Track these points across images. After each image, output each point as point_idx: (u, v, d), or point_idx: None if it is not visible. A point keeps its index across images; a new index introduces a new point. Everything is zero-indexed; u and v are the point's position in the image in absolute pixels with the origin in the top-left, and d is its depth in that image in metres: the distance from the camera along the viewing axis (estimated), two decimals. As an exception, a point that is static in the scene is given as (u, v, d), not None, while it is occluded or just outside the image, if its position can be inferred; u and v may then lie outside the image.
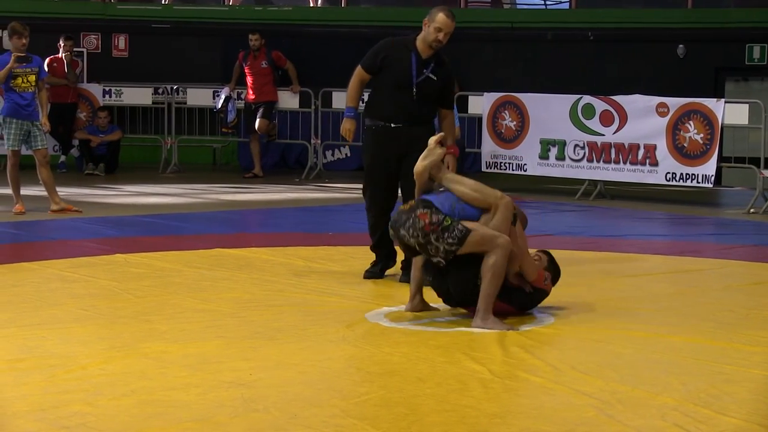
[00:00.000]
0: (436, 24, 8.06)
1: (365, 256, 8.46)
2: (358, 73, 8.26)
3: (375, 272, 8.29)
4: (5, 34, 18.39)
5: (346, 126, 8.21)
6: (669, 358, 6.07)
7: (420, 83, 8.08)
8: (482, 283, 6.67)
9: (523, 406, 5.13)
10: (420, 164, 6.90)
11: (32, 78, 11.80)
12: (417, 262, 7.02)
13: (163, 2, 19.48)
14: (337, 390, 5.42)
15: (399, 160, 8.11)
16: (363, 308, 7.20)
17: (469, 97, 16.19)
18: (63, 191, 12.37)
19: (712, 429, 4.81)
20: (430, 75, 8.13)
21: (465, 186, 6.82)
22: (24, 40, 11.73)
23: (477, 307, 6.69)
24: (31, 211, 11.96)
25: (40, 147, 11.87)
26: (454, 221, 6.63)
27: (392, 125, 8.11)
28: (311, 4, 19.40)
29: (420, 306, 7.08)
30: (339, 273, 8.47)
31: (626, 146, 14.11)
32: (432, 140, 6.95)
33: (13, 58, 11.66)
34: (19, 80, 11.74)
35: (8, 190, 12.15)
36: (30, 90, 11.79)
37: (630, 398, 5.24)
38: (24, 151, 12.03)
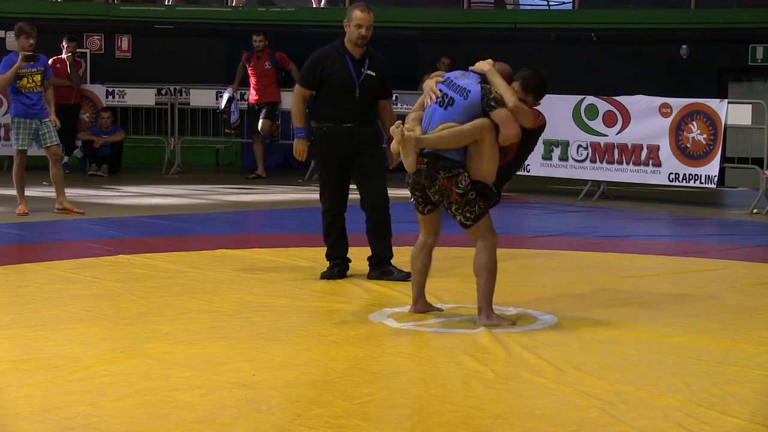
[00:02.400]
0: (354, 21, 8.29)
1: (367, 258, 8.45)
2: (299, 92, 8.40)
3: (334, 274, 8.32)
4: (8, 34, 18.45)
5: (299, 147, 8.37)
6: (672, 359, 6.07)
7: (362, 83, 8.26)
8: (479, 282, 6.76)
9: (527, 407, 5.13)
10: (394, 145, 6.85)
11: (38, 78, 11.83)
12: (416, 264, 7.04)
13: (166, 3, 19.49)
14: (340, 391, 5.42)
15: (351, 160, 8.27)
16: (366, 309, 7.21)
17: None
18: (66, 192, 12.36)
19: (716, 429, 4.81)
20: (369, 72, 8.29)
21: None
22: (31, 40, 11.77)
23: (478, 305, 6.76)
24: (35, 212, 11.95)
25: (50, 144, 11.90)
26: (477, 196, 6.72)
27: (343, 125, 8.24)
28: (314, 5, 19.40)
29: (424, 307, 7.09)
30: (341, 274, 8.45)
31: (629, 147, 14.10)
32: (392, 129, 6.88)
33: (20, 57, 11.69)
34: (25, 80, 11.76)
35: (11, 191, 12.15)
36: (36, 90, 11.82)
37: (633, 399, 5.24)
38: (34, 151, 12.06)
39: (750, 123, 13.85)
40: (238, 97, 17.06)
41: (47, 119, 11.85)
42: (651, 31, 17.91)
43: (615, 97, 14.36)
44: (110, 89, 17.41)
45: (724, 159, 14.08)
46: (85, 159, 17.01)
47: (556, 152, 14.62)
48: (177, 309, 7.21)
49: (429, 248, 7.12)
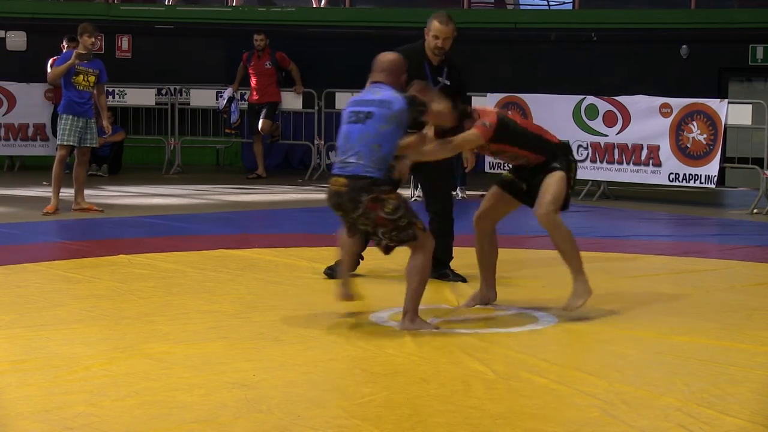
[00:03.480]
0: (432, 32, 8.24)
1: (369, 258, 8.45)
2: None
3: (336, 272, 8.22)
4: (8, 34, 18.48)
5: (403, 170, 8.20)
6: (673, 359, 6.07)
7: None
8: (410, 286, 6.56)
9: (527, 407, 5.13)
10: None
11: (92, 79, 11.99)
12: (344, 246, 6.93)
13: (166, 3, 19.49)
14: (340, 391, 5.42)
15: (416, 167, 8.15)
16: (367, 309, 7.20)
17: (473, 97, 16.16)
18: (67, 192, 12.38)
19: (716, 429, 4.81)
20: (445, 81, 8.24)
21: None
22: (93, 39, 11.94)
23: (404, 308, 6.61)
24: (37, 211, 11.97)
25: (87, 145, 12.15)
26: (409, 219, 6.44)
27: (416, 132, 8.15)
28: (314, 5, 19.40)
29: (352, 294, 6.94)
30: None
31: (629, 147, 14.11)
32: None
33: (75, 53, 11.83)
34: (81, 77, 11.92)
35: (14, 191, 12.17)
36: (89, 90, 12.03)
37: (634, 399, 5.24)
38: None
39: (750, 123, 13.86)
40: (239, 97, 17.06)
41: (93, 120, 12.04)
42: (651, 31, 17.91)
43: (615, 97, 14.36)
44: (110, 89, 17.42)
45: (725, 159, 14.09)
46: (85, 159, 17.00)
47: (557, 152, 14.62)
48: (177, 309, 7.21)
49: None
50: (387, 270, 8.65)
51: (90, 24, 12.23)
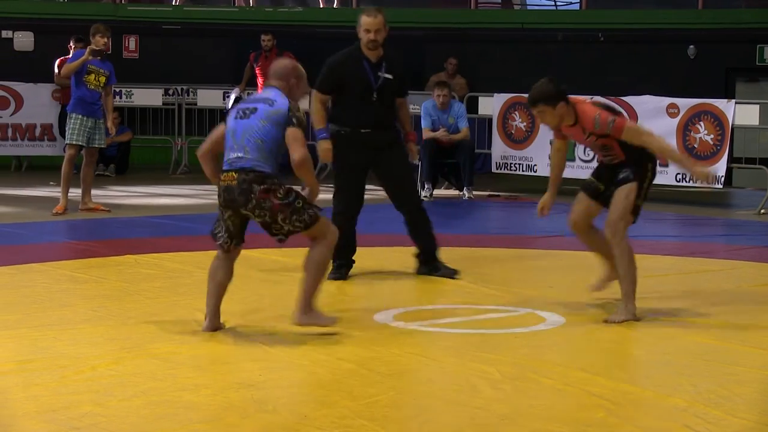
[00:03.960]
0: (363, 27, 8.32)
1: (373, 257, 8.47)
2: (317, 97, 8.34)
3: (342, 275, 8.34)
4: (16, 34, 18.50)
5: (325, 146, 8.27)
6: (679, 360, 6.06)
7: (380, 87, 8.25)
8: (307, 278, 6.43)
9: (533, 407, 5.13)
10: None
11: (102, 79, 12.04)
12: (214, 277, 6.68)
13: (173, 3, 19.50)
14: (347, 391, 5.42)
15: (368, 165, 8.32)
16: (372, 309, 7.20)
17: (479, 98, 16.19)
18: (74, 192, 12.40)
19: (723, 430, 4.80)
20: (386, 75, 8.29)
21: None
22: (105, 39, 11.98)
23: (299, 302, 6.44)
24: (44, 211, 11.99)
25: (96, 146, 12.18)
26: (304, 204, 6.38)
27: (361, 130, 8.22)
28: (321, 5, 19.41)
29: (217, 325, 6.60)
30: (347, 274, 8.45)
31: (636, 147, 14.08)
32: None
33: (89, 49, 11.89)
34: (92, 77, 11.97)
35: (19, 191, 12.18)
36: (98, 90, 12.04)
37: (640, 399, 5.24)
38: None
39: (757, 123, 13.86)
40: (246, 98, 17.06)
41: (102, 120, 12.12)
42: (658, 32, 17.90)
43: (622, 97, 14.35)
44: (117, 89, 17.43)
45: (732, 159, 14.07)
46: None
47: (563, 152, 14.61)
48: (184, 309, 7.21)
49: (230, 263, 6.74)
50: (389, 271, 8.66)
51: (102, 24, 12.27)
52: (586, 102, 7.17)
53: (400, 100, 8.47)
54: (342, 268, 8.35)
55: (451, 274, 8.31)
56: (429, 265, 8.42)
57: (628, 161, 7.09)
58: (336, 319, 6.55)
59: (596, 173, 7.38)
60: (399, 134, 8.55)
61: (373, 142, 8.23)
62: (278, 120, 6.40)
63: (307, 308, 6.45)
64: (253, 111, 6.47)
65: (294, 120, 6.40)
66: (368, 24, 8.31)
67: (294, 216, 6.33)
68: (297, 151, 6.37)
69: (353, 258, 8.44)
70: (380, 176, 8.42)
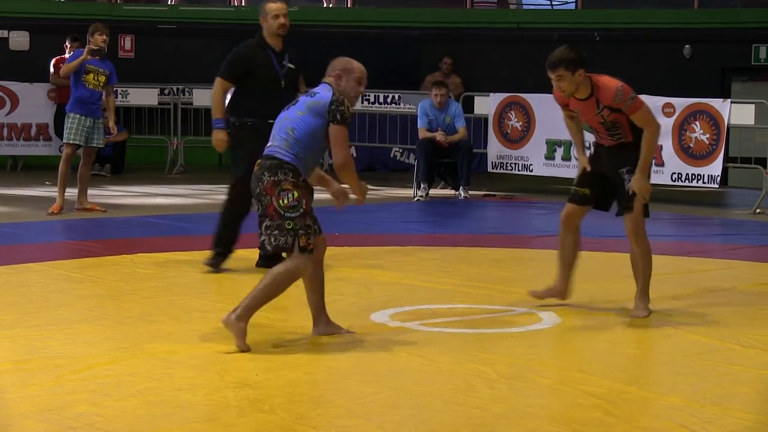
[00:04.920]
0: (272, 13, 8.43)
1: (371, 256, 8.47)
2: (221, 84, 8.46)
3: (219, 262, 8.52)
4: (11, 34, 18.48)
5: (220, 136, 8.40)
6: (676, 359, 6.07)
7: (285, 75, 8.43)
8: (259, 285, 6.12)
9: (530, 407, 5.13)
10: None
11: (102, 79, 12.02)
12: (309, 284, 6.40)
13: (169, 3, 19.49)
14: (343, 390, 5.42)
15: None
16: (368, 308, 7.20)
17: (475, 97, 16.19)
18: (70, 192, 12.40)
19: (719, 429, 4.81)
20: (290, 65, 8.47)
21: None
22: (104, 37, 11.96)
23: (241, 306, 6.10)
24: (40, 211, 11.98)
25: (94, 145, 12.19)
26: (295, 227, 6.03)
27: (267, 120, 8.13)
28: (324, 5, 19.42)
29: (327, 330, 6.44)
30: (344, 273, 8.46)
31: (632, 146, 14.09)
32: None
33: (87, 48, 11.87)
34: (91, 76, 11.95)
35: (15, 191, 12.17)
36: (98, 89, 12.03)
37: (636, 398, 5.24)
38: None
39: (753, 123, 13.86)
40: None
41: (101, 120, 12.09)
42: (654, 31, 17.91)
43: (618, 97, 14.33)
44: (113, 89, 17.40)
45: (727, 159, 14.07)
46: (88, 159, 17.02)
47: (559, 152, 14.63)
48: (180, 309, 7.22)
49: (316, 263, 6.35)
50: (386, 270, 8.67)
51: (101, 23, 12.24)
52: (604, 75, 7.11)
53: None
54: (220, 256, 8.50)
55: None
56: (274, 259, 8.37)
57: (634, 144, 7.03)
58: (248, 348, 6.01)
59: (580, 181, 7.29)
60: None
61: None
62: (318, 110, 6.12)
63: (243, 316, 6.06)
64: (294, 103, 6.30)
65: (337, 115, 6.09)
66: (278, 9, 8.43)
67: (276, 231, 6.04)
68: (338, 154, 6.11)
69: (232, 248, 8.60)
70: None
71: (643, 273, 7.16)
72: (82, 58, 11.85)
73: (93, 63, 11.91)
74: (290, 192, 6.06)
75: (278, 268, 6.13)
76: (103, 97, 12.15)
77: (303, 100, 6.27)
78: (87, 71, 11.90)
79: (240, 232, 8.58)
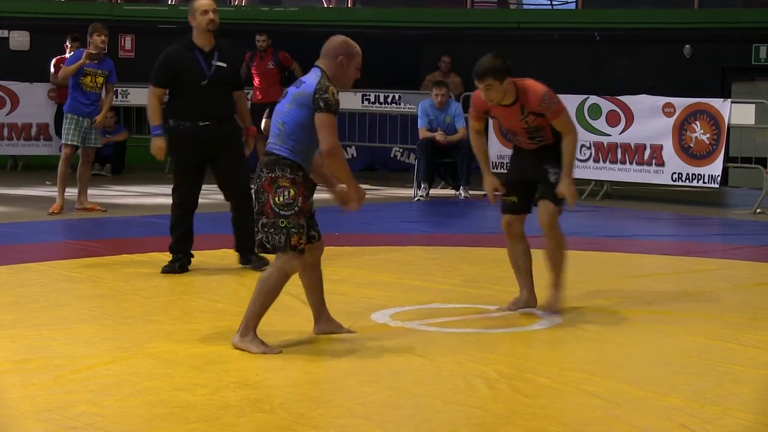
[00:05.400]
0: (200, 9, 8.26)
1: (372, 256, 8.47)
2: (153, 92, 8.40)
3: (175, 269, 8.48)
4: (11, 34, 18.48)
5: (158, 144, 8.39)
6: (676, 359, 6.07)
7: (213, 76, 8.26)
8: (253, 296, 6.10)
9: (530, 407, 5.13)
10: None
11: (100, 80, 12.02)
12: (307, 284, 6.41)
13: (169, 3, 19.48)
14: (343, 390, 5.42)
15: (208, 159, 8.39)
16: (369, 308, 7.20)
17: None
18: (70, 191, 12.40)
19: (719, 429, 4.81)
20: (219, 63, 8.31)
21: None
22: (103, 38, 11.94)
23: (243, 321, 6.10)
24: (40, 211, 11.97)
25: (91, 145, 12.19)
26: (288, 226, 5.99)
27: (200, 123, 8.25)
28: (324, 5, 19.41)
29: (327, 327, 6.46)
30: (345, 273, 8.46)
31: (632, 146, 14.10)
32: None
33: (85, 53, 11.86)
34: (88, 79, 11.95)
35: (15, 191, 12.16)
36: (96, 91, 12.07)
37: (637, 398, 5.24)
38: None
39: (753, 122, 13.86)
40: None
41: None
42: (654, 31, 17.90)
43: (618, 97, 14.36)
44: (114, 89, 17.40)
45: (728, 159, 14.07)
46: (88, 159, 17.01)
47: (559, 152, 14.62)
48: (180, 308, 7.22)
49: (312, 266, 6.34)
50: (386, 270, 8.66)
51: (100, 23, 12.22)
52: (528, 78, 7.08)
53: (237, 93, 8.49)
54: (176, 262, 8.49)
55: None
56: (244, 257, 8.57)
57: (555, 145, 7.06)
58: (274, 350, 6.04)
59: (509, 187, 7.20)
60: (239, 128, 8.56)
61: (212, 136, 8.26)
62: (303, 102, 6.00)
63: (247, 330, 6.06)
64: (284, 95, 6.16)
65: (321, 103, 5.94)
66: (206, 5, 8.27)
67: (271, 230, 6.00)
68: (324, 140, 5.94)
69: (191, 252, 8.59)
70: (216, 173, 8.48)
71: (558, 266, 7.20)
72: (80, 63, 11.83)
73: (91, 66, 11.90)
74: (287, 189, 6.02)
75: (266, 273, 6.11)
76: (103, 94, 12.14)
77: (291, 91, 6.12)
78: (85, 74, 11.89)
79: (193, 233, 8.62)
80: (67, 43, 16.43)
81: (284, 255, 6.04)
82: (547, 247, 7.23)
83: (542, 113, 6.94)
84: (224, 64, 8.33)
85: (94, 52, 11.85)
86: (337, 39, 6.23)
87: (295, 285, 7.99)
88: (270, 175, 6.03)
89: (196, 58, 8.25)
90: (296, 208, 6.03)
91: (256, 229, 6.11)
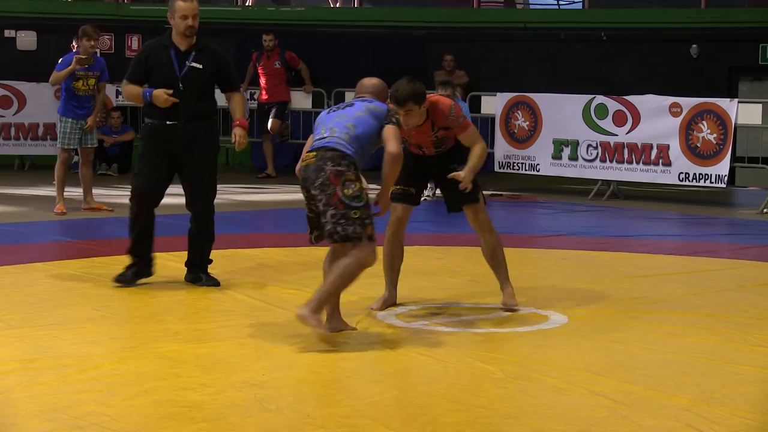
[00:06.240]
0: (179, 13, 7.97)
1: (378, 256, 8.43)
2: (129, 88, 8.05)
3: (126, 277, 7.89)
4: (19, 34, 18.49)
5: (157, 93, 7.87)
6: (683, 359, 6.06)
7: (185, 77, 7.93)
8: (328, 278, 6.27)
9: (537, 407, 5.13)
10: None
11: (92, 82, 12.02)
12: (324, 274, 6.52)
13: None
14: (350, 390, 5.42)
15: (176, 159, 7.98)
16: (375, 308, 7.19)
17: (482, 97, 16.18)
18: (76, 191, 12.41)
19: (727, 429, 4.80)
20: (194, 64, 7.96)
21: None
22: (93, 43, 11.93)
23: (313, 297, 6.21)
24: (47, 211, 11.98)
25: (88, 145, 12.16)
26: (362, 215, 6.21)
27: (167, 122, 7.94)
28: (331, 5, 19.41)
29: (339, 326, 6.55)
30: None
31: (639, 146, 14.08)
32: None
33: (75, 60, 11.83)
34: (80, 83, 11.93)
35: (22, 191, 12.17)
36: (88, 93, 12.02)
37: (643, 398, 5.24)
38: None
39: (760, 122, 13.84)
40: (248, 97, 17.06)
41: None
42: (661, 31, 17.89)
43: (625, 97, 14.34)
44: (120, 89, 17.42)
45: (735, 158, 14.07)
46: (95, 158, 17.01)
47: (566, 152, 14.62)
48: (187, 308, 7.22)
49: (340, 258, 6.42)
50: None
51: (91, 26, 12.14)
52: (432, 94, 7.26)
53: (229, 94, 8.20)
54: (130, 269, 7.92)
55: (215, 284, 7.94)
56: (193, 274, 8.09)
57: (457, 146, 7.19)
58: (355, 327, 6.40)
59: (405, 180, 7.13)
60: (213, 129, 8.20)
61: (180, 136, 7.92)
62: (377, 114, 6.43)
63: (317, 307, 6.16)
64: (350, 105, 6.52)
65: (393, 119, 6.46)
66: (186, 9, 7.96)
67: (342, 220, 6.17)
68: (393, 145, 6.35)
69: (151, 256, 8.06)
70: (181, 175, 8.07)
71: (503, 262, 7.30)
72: (69, 69, 11.79)
73: (82, 69, 11.86)
74: (353, 183, 6.23)
75: (346, 260, 6.21)
76: (95, 94, 12.09)
77: (360, 104, 6.49)
78: (76, 78, 11.86)
79: (153, 235, 8.13)
80: (74, 43, 16.44)
81: (362, 245, 6.21)
82: (489, 246, 7.32)
83: (450, 127, 7.07)
84: (200, 66, 7.98)
85: (84, 56, 11.82)
86: (380, 82, 6.75)
87: (302, 285, 8.00)
88: (336, 168, 6.21)
89: (170, 57, 7.96)
90: (364, 200, 6.25)
91: (324, 220, 6.24)
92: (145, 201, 8.03)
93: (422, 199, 7.32)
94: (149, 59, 8.01)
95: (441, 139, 7.15)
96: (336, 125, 6.38)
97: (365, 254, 6.21)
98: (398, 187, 7.15)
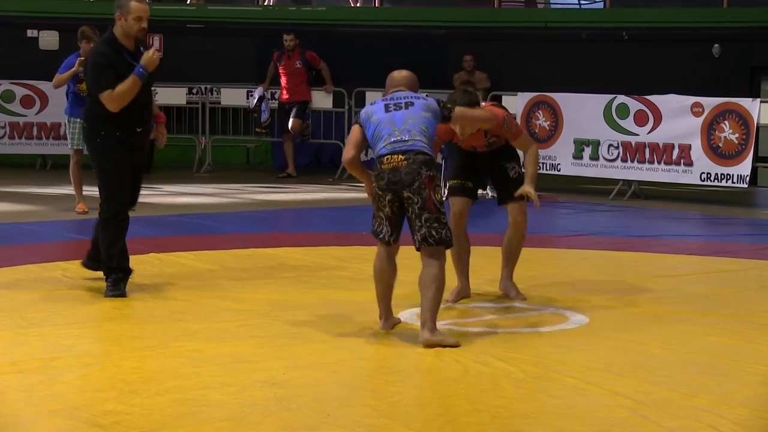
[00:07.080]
0: (134, 15, 7.76)
1: (398, 255, 8.43)
2: (118, 90, 7.66)
3: (121, 290, 7.56)
4: (41, 33, 18.55)
5: (149, 55, 7.81)
6: (704, 359, 6.04)
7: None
8: (426, 295, 6.29)
9: (556, 407, 5.12)
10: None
11: None
12: (382, 277, 6.63)
13: (197, 2, 19.54)
14: (370, 390, 5.42)
15: (134, 166, 7.80)
16: (395, 307, 7.19)
17: (503, 96, 16.14)
18: (89, 190, 12.44)
19: (747, 430, 4.79)
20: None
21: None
22: (92, 44, 11.90)
23: (422, 319, 6.28)
24: (68, 210, 12.02)
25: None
26: (446, 220, 6.42)
27: (137, 130, 7.80)
28: (351, 5, 19.42)
29: (394, 321, 6.67)
30: (370, 272, 8.44)
31: (660, 146, 14.04)
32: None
33: (77, 62, 11.85)
34: (83, 85, 11.93)
35: (44, 189, 12.22)
36: None
37: (664, 399, 5.22)
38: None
39: (783, 122, 13.76)
40: (269, 96, 17.08)
41: None
42: (682, 30, 17.81)
43: (646, 96, 14.29)
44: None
45: (757, 158, 14.00)
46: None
47: (587, 151, 14.58)
48: (207, 307, 7.23)
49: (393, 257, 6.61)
50: (413, 270, 8.65)
51: (89, 27, 12.09)
52: (486, 102, 7.74)
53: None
54: (120, 282, 7.59)
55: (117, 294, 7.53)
56: (92, 259, 7.95)
57: (507, 145, 7.51)
58: (459, 343, 6.23)
59: (462, 175, 7.59)
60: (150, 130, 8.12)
61: (142, 142, 7.87)
62: (436, 112, 6.55)
63: (433, 325, 6.22)
64: (410, 104, 6.50)
65: (446, 112, 6.64)
66: (142, 11, 7.81)
67: (435, 224, 6.31)
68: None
69: (129, 267, 7.75)
70: (134, 171, 7.83)
71: (517, 257, 7.63)
72: (72, 71, 11.79)
73: (84, 71, 11.87)
74: (439, 188, 6.41)
75: (435, 270, 6.33)
76: None
77: (421, 102, 6.54)
78: (80, 80, 11.87)
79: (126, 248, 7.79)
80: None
81: (443, 252, 6.40)
82: (515, 239, 7.61)
83: (503, 135, 7.34)
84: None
85: (84, 58, 11.84)
86: (411, 74, 6.74)
87: (322, 285, 8.00)
88: (429, 173, 6.32)
89: (127, 60, 7.74)
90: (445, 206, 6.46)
91: (419, 224, 6.31)
92: (124, 219, 7.76)
93: (444, 198, 7.35)
94: (112, 65, 7.69)
95: (493, 142, 7.44)
96: (411, 127, 6.42)
97: (443, 258, 6.41)
98: (456, 181, 7.54)
